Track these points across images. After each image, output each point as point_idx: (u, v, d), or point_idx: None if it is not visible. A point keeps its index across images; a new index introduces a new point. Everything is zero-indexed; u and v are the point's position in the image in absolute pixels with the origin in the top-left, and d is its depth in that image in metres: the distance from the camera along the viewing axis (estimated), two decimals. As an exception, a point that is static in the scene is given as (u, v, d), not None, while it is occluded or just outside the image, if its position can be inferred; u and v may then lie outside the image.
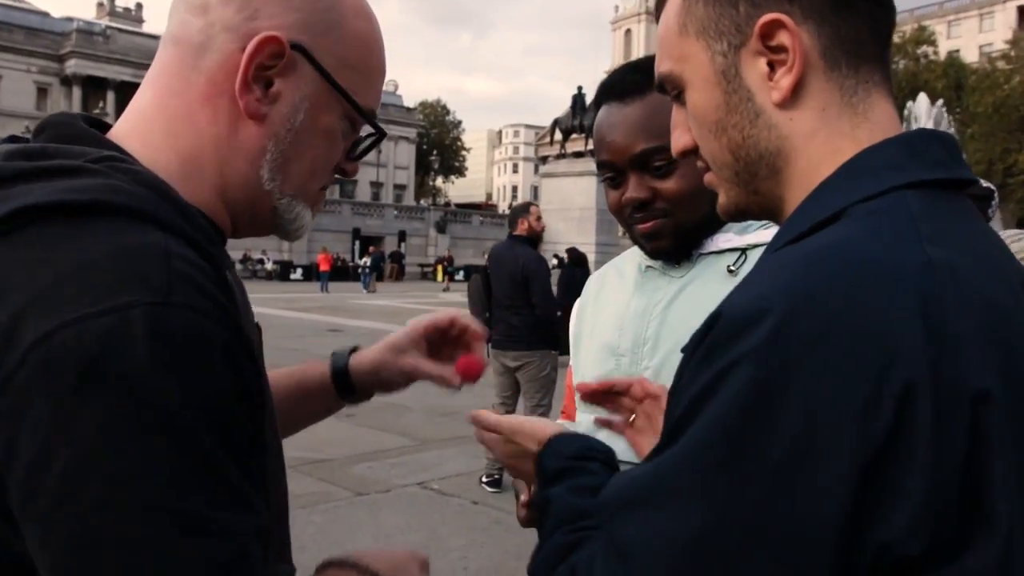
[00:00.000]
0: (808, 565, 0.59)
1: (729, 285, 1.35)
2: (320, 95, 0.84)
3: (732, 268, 1.37)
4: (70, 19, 66.57)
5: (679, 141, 0.85)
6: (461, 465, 6.53)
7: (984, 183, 1.04)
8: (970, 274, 0.63)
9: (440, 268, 40.83)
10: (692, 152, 0.84)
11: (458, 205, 68.72)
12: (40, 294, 0.64)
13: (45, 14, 67.91)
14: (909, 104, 20.60)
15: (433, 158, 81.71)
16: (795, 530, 0.59)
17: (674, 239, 1.41)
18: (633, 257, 1.53)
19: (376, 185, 77.08)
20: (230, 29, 0.81)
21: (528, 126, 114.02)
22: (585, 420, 1.49)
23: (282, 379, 1.15)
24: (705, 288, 1.38)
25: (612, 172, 1.42)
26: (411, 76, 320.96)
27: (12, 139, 0.80)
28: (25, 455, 0.62)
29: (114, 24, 67.27)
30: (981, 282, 0.64)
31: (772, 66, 0.74)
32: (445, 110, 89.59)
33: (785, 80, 0.73)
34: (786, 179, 0.76)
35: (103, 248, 0.66)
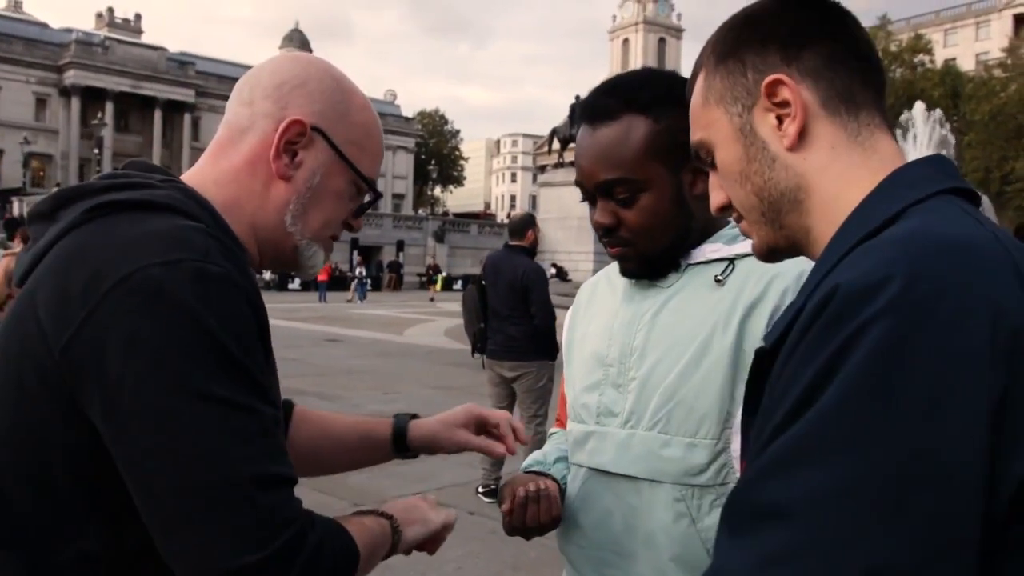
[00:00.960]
0: (959, 501, 0.64)
1: (716, 295, 1.39)
2: (332, 164, 1.15)
3: (719, 278, 1.38)
4: (69, 30, 66.68)
5: (716, 199, 0.98)
6: (458, 476, 6.51)
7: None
8: (1018, 247, 0.76)
9: (440, 278, 40.82)
10: (728, 208, 0.97)
11: (456, 214, 68.66)
12: (114, 255, 0.92)
13: (44, 25, 68.09)
14: (906, 112, 20.60)
15: (431, 167, 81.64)
16: (945, 468, 0.64)
17: (638, 265, 1.43)
18: None
19: (374, 195, 76.84)
20: (268, 116, 1.12)
21: (526, 135, 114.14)
22: (575, 430, 1.51)
23: (350, 428, 1.47)
24: (692, 298, 1.39)
25: (584, 191, 1.45)
26: (409, 86, 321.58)
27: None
28: (111, 359, 0.88)
29: (113, 35, 67.31)
30: None
31: (780, 120, 0.88)
32: (443, 119, 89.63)
33: (791, 128, 0.87)
34: (808, 209, 0.89)
35: (161, 226, 0.95)
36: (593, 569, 1.42)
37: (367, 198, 1.23)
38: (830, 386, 0.68)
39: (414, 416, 1.46)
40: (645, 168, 1.37)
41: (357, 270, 33.83)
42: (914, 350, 0.65)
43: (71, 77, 62.02)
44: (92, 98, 62.42)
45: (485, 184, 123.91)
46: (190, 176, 1.14)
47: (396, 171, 79.51)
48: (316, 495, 5.84)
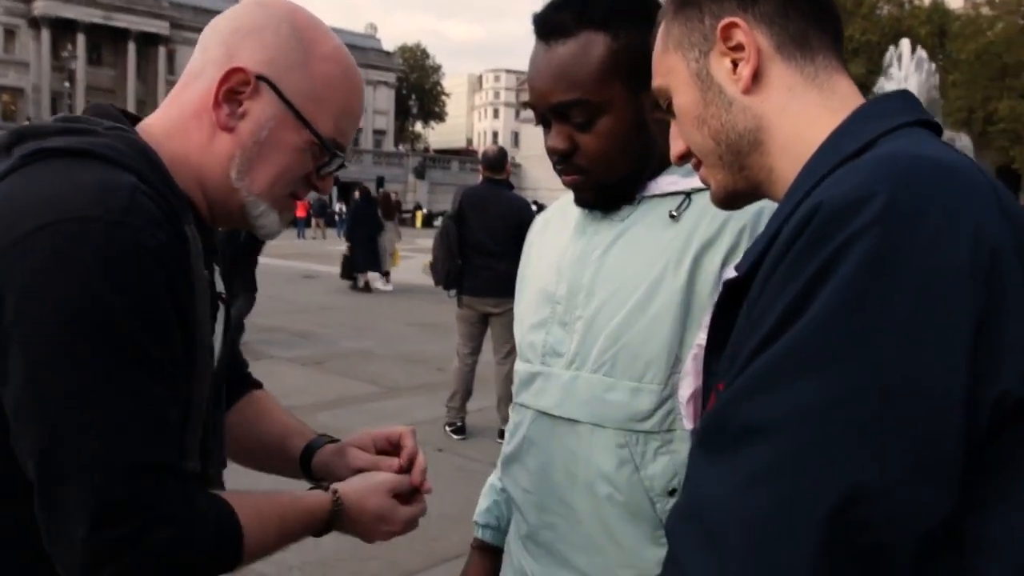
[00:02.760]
0: (941, 418, 0.64)
1: (670, 231, 1.26)
2: (284, 118, 1.07)
3: (674, 213, 1.28)
4: (37, -43, 64.60)
5: (676, 147, 0.99)
6: (428, 413, 6.46)
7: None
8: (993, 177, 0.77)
9: (418, 214, 40.57)
10: (688, 156, 0.97)
11: (437, 151, 68.11)
12: (34, 204, 0.89)
13: (11, -48, 65.90)
14: (891, 50, 20.38)
15: (412, 103, 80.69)
16: (928, 385, 0.64)
17: (595, 194, 1.33)
18: None
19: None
20: (216, 63, 1.07)
21: (509, 71, 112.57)
22: (522, 369, 1.44)
23: (276, 431, 1.36)
24: (646, 234, 1.30)
25: (537, 114, 1.33)
26: (390, 19, 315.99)
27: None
28: (7, 308, 0.86)
29: (83, -37, 65.38)
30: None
31: (735, 64, 0.89)
32: (425, 54, 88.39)
33: (745, 70, 0.89)
34: (768, 149, 0.89)
35: (87, 179, 0.91)
36: (536, 515, 1.37)
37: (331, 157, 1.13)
38: (815, 301, 0.67)
39: (332, 440, 1.35)
40: (604, 89, 1.26)
41: (337, 206, 33.57)
42: (899, 264, 0.65)
43: (40, 7, 60.28)
44: (63, 29, 60.89)
45: (467, 120, 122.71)
46: (146, 123, 1.10)
47: (377, 106, 78.47)
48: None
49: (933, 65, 21.13)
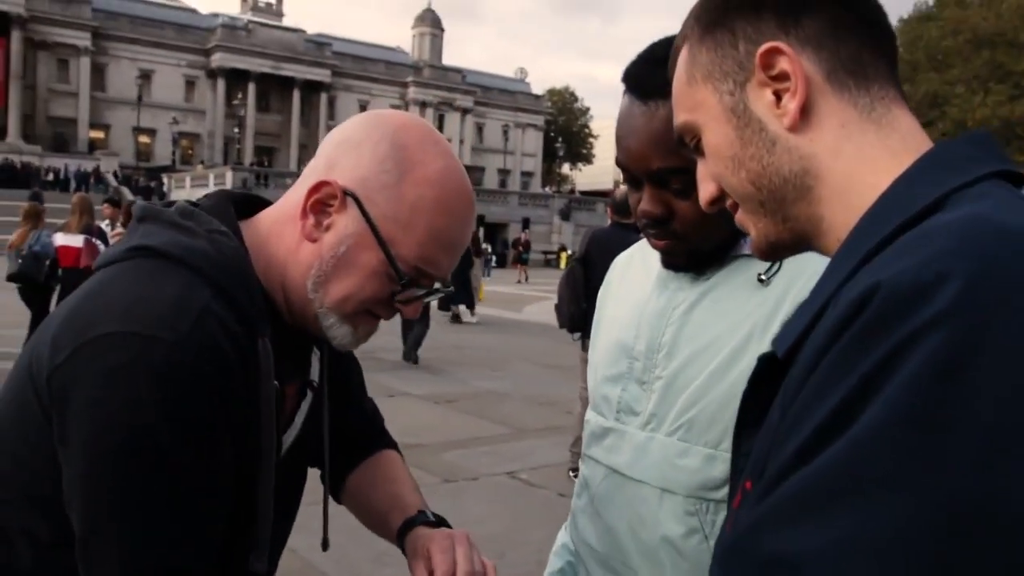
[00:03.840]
0: (1019, 563, 0.51)
1: (758, 295, 1.20)
2: (364, 237, 1.05)
3: (763, 277, 1.21)
4: (216, 15, 70.02)
5: (704, 192, 0.85)
6: (553, 456, 6.42)
7: None
8: None
9: (564, 256, 40.71)
10: (719, 200, 0.84)
11: (583, 192, 68.39)
12: (111, 308, 0.96)
13: (193, 11, 71.67)
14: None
15: (559, 145, 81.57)
16: (1008, 524, 0.51)
17: (687, 259, 1.26)
18: None
19: (503, 172, 77.72)
20: (315, 171, 1.09)
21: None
22: (594, 421, 1.40)
23: (384, 500, 1.36)
24: (731, 296, 1.24)
25: (628, 174, 1.27)
26: (539, 64, 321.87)
27: (188, 202, 1.13)
28: (72, 404, 0.93)
29: (256, 18, 70.22)
30: None
31: (778, 96, 0.76)
32: (573, 97, 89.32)
33: (792, 104, 0.75)
34: (819, 196, 0.76)
35: (160, 293, 0.97)
36: (601, 572, 1.34)
37: (420, 284, 1.11)
38: (868, 410, 0.55)
39: (438, 522, 1.30)
40: None
41: (483, 246, 34.20)
42: (978, 368, 0.53)
43: (217, 60, 65.17)
44: (236, 79, 65.53)
45: (614, 162, 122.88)
46: (259, 218, 1.15)
47: (525, 149, 79.89)
48: (411, 470, 5.87)
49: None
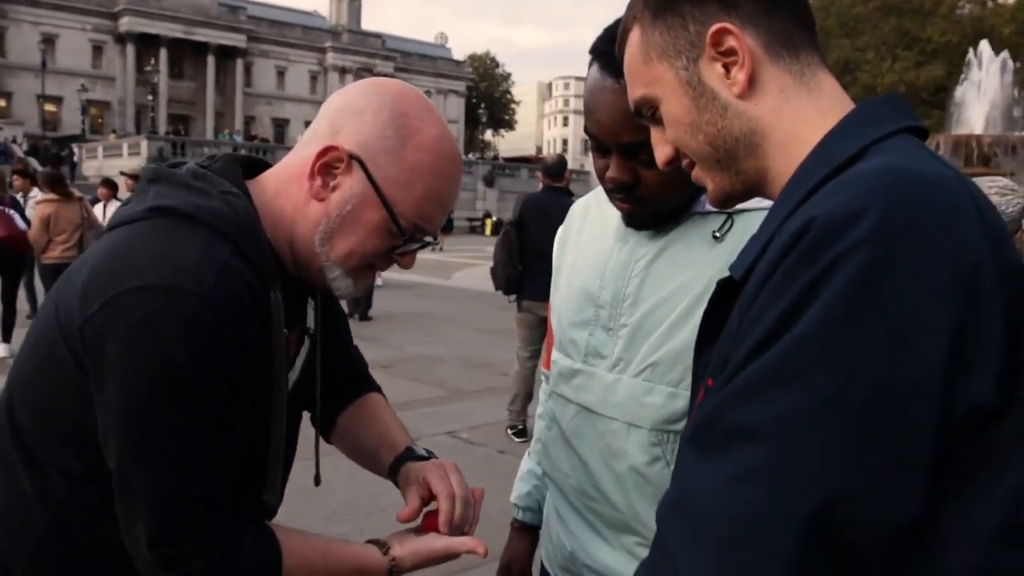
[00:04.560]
0: (921, 428, 0.68)
1: (713, 250, 1.35)
2: (368, 197, 1.16)
3: (717, 234, 1.34)
4: (123, -24, 67.02)
5: (662, 155, 1.00)
6: (491, 415, 6.58)
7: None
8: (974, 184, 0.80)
9: (489, 223, 40.80)
10: (675, 160, 0.99)
11: (507, 159, 68.32)
12: (138, 264, 1.04)
13: (98, -29, 68.48)
14: (970, 52, 19.77)
15: (482, 111, 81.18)
16: (910, 396, 0.68)
17: (649, 220, 1.39)
18: None
19: (425, 139, 76.76)
20: (320, 136, 1.18)
21: (579, 78, 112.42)
22: (562, 362, 1.51)
23: (373, 440, 1.48)
24: (688, 250, 1.36)
25: (597, 142, 1.37)
26: (460, 28, 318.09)
27: (198, 164, 1.22)
28: (107, 352, 1.03)
29: (165, -20, 67.61)
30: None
31: (727, 68, 0.90)
32: (494, 63, 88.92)
33: (740, 75, 0.89)
34: (765, 152, 0.91)
35: (186, 249, 1.05)
36: (576, 497, 1.47)
37: (411, 238, 1.21)
38: (806, 313, 0.70)
39: (427, 455, 1.41)
40: None
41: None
42: (888, 282, 0.69)
43: (125, 24, 62.67)
44: (146, 44, 63.13)
45: (536, 128, 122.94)
46: (265, 177, 1.24)
47: (447, 115, 79.17)
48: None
49: (1017, 65, 20.40)
